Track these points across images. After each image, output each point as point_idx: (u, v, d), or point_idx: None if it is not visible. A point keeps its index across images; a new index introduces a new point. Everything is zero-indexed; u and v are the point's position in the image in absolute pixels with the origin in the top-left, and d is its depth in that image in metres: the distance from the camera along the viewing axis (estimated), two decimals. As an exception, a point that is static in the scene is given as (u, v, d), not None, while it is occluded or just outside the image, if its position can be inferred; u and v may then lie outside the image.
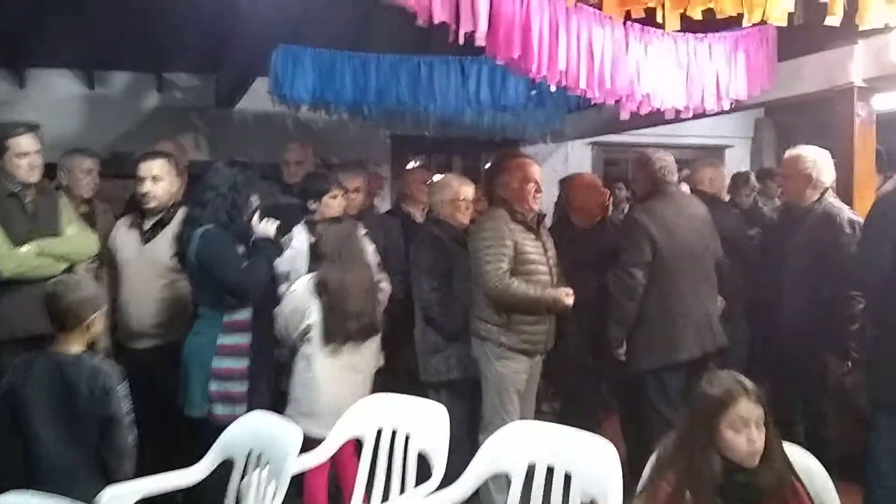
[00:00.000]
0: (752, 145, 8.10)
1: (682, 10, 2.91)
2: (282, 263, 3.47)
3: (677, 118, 3.97)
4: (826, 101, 4.97)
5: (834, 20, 2.79)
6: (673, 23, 2.97)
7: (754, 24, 3.89)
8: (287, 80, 4.73)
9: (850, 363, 3.55)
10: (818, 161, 3.73)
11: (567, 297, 3.51)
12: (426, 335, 3.86)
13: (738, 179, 6.04)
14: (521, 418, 3.57)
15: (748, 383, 2.07)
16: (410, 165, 6.19)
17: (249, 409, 3.00)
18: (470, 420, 3.71)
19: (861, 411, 3.62)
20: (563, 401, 4.65)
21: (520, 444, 2.46)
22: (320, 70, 4.77)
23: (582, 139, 7.10)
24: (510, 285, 3.46)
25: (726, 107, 3.96)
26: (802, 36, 4.15)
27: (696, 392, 2.14)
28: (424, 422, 2.71)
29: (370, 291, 3.39)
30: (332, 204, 3.65)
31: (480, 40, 2.93)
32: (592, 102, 5.00)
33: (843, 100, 4.05)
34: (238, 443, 2.54)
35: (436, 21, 2.80)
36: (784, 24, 2.92)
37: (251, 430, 2.57)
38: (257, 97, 5.59)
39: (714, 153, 7.58)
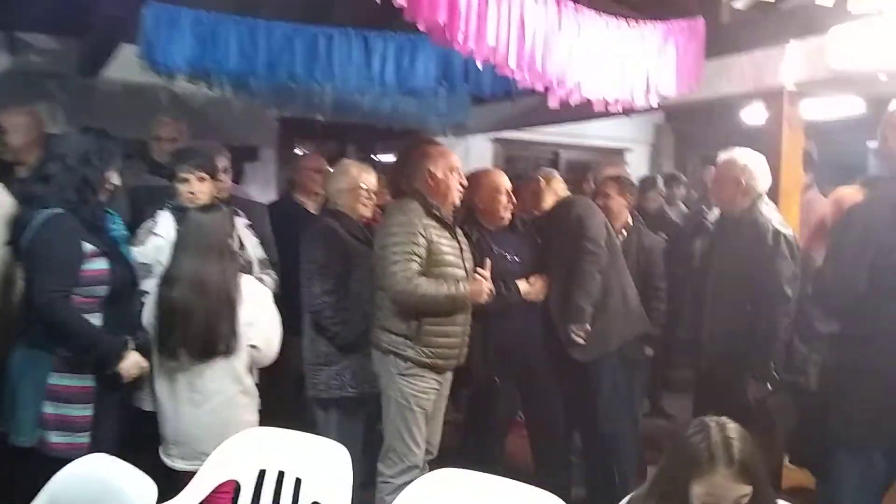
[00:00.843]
0: (651, 151, 8.05)
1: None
2: (144, 255, 2.90)
3: (603, 113, 3.64)
4: (728, 109, 4.82)
5: (826, -1, 2.47)
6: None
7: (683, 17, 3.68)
8: (160, 45, 4.04)
9: (770, 385, 3.31)
10: (749, 166, 3.48)
11: (484, 282, 3.09)
12: (316, 345, 3.31)
13: (646, 183, 5.93)
14: (428, 442, 3.15)
15: (736, 449, 1.63)
16: (300, 152, 5.62)
17: (94, 439, 2.45)
18: (366, 443, 3.25)
19: (780, 432, 3.49)
20: (468, 409, 4.22)
21: (448, 496, 1.99)
22: (200, 35, 4.11)
23: (484, 133, 6.73)
24: (419, 286, 2.98)
25: (654, 103, 3.67)
26: (731, 32, 3.93)
27: (677, 438, 1.74)
28: (320, 465, 2.19)
29: (220, 301, 2.65)
30: (183, 189, 3.07)
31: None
32: (502, 94, 4.71)
33: (771, 104, 3.83)
34: (70, 495, 1.94)
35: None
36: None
37: (88, 478, 1.96)
38: (127, 65, 4.87)
39: (614, 156, 7.46)
